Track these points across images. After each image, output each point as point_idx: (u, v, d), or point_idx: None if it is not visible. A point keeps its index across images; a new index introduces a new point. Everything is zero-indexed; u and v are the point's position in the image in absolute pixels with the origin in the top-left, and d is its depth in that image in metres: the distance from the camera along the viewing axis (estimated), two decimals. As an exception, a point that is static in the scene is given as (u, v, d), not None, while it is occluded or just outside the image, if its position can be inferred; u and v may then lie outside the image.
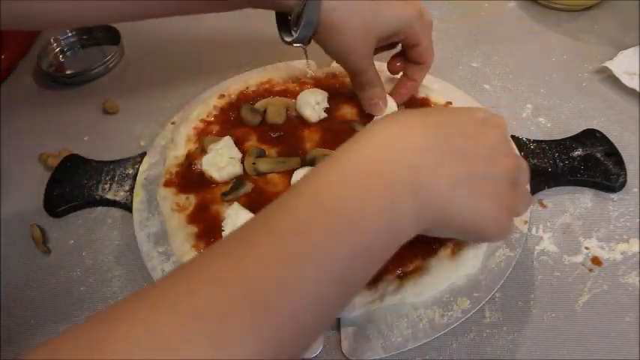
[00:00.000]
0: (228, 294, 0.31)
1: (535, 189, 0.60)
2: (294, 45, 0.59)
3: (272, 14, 0.60)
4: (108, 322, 0.31)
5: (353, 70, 0.62)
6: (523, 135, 0.65)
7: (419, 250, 0.54)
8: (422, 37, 0.60)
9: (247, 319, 0.31)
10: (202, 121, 0.69)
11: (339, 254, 0.35)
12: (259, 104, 0.69)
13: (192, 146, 0.66)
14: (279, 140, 0.66)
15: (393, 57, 0.66)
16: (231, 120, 0.69)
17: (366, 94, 0.64)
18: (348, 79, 0.72)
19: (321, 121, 0.67)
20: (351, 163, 0.39)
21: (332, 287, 0.35)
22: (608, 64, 0.72)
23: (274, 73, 0.75)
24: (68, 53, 0.89)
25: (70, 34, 0.89)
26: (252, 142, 0.66)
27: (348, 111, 0.68)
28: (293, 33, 0.57)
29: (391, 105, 0.66)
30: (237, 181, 0.61)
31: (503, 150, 0.43)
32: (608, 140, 0.63)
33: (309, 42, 0.59)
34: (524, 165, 0.45)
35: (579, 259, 0.55)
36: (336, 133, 0.65)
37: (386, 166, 0.38)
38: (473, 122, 0.43)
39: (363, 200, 0.37)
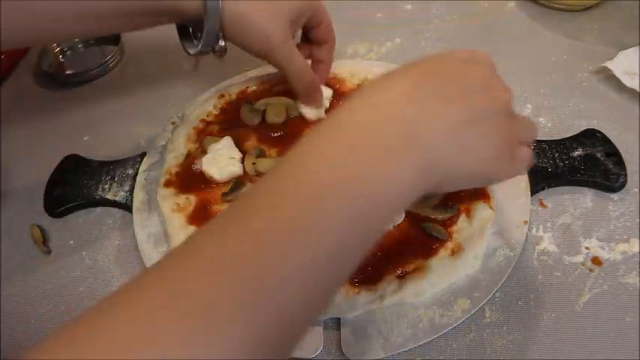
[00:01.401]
0: (218, 280, 0.31)
1: (535, 189, 0.60)
2: (203, 54, 0.59)
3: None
4: (101, 313, 0.32)
5: (279, 60, 0.59)
6: (523, 135, 0.65)
7: (419, 250, 0.54)
8: (323, 14, 0.63)
9: (237, 304, 0.30)
10: (202, 121, 0.69)
11: (339, 222, 0.34)
12: (259, 104, 0.69)
13: (192, 146, 0.66)
14: (279, 140, 0.66)
15: (297, 46, 0.63)
16: (231, 120, 0.68)
17: (301, 86, 0.63)
18: (347, 79, 0.73)
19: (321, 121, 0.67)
20: (342, 130, 0.38)
21: (333, 258, 0.34)
22: (608, 64, 0.72)
23: (274, 73, 0.75)
24: (68, 53, 0.89)
25: (70, 34, 0.89)
26: (252, 142, 0.66)
27: (348, 111, 0.68)
28: (196, 42, 0.58)
29: (327, 93, 0.67)
30: (237, 181, 0.61)
31: (495, 83, 0.42)
32: (608, 140, 0.63)
33: (222, 50, 0.57)
34: (512, 93, 0.43)
35: (579, 259, 0.55)
36: (336, 133, 0.65)
37: (379, 129, 0.37)
38: (457, 63, 0.42)
39: (361, 165, 0.35)
